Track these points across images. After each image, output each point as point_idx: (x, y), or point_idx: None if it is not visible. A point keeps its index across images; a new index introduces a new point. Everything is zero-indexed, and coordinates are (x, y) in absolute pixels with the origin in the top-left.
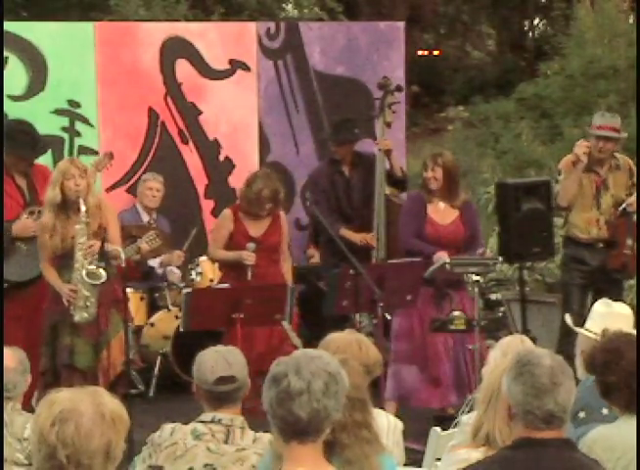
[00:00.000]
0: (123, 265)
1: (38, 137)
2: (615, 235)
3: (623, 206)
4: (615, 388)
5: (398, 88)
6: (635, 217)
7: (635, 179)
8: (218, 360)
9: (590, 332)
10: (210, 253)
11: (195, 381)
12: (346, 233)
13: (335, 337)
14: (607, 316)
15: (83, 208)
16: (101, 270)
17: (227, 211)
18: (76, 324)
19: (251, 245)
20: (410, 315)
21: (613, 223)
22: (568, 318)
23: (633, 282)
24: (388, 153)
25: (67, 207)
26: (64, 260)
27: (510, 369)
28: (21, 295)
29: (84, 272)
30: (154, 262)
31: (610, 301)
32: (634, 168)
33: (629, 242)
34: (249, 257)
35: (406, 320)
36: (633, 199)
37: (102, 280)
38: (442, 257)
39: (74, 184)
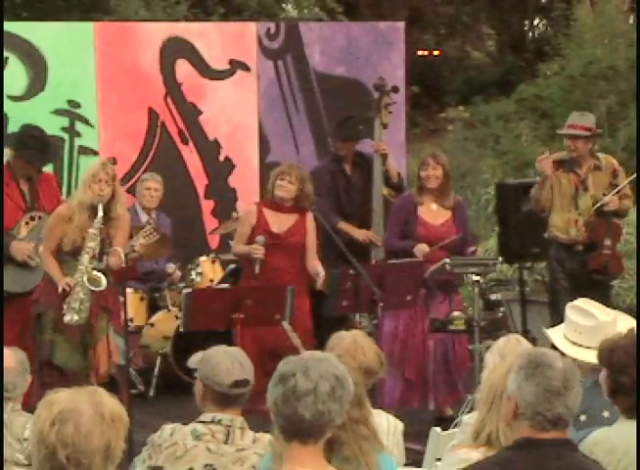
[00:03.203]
0: (124, 265)
1: (49, 143)
2: (593, 236)
3: (599, 204)
4: (623, 390)
5: (394, 89)
6: (613, 217)
7: (619, 180)
8: (234, 363)
9: (581, 346)
10: (232, 248)
11: (205, 381)
12: (345, 227)
13: (335, 336)
14: (598, 330)
15: (100, 213)
16: (102, 278)
17: (252, 206)
18: (60, 320)
19: (261, 238)
20: (397, 318)
21: (591, 224)
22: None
23: (633, 283)
24: (383, 157)
25: (89, 208)
26: (67, 256)
27: (520, 369)
28: (14, 304)
29: (86, 277)
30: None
31: (586, 307)
32: (619, 169)
33: (608, 242)
34: (256, 250)
35: (393, 324)
36: (610, 198)
37: (101, 287)
38: (422, 248)
39: (99, 189)
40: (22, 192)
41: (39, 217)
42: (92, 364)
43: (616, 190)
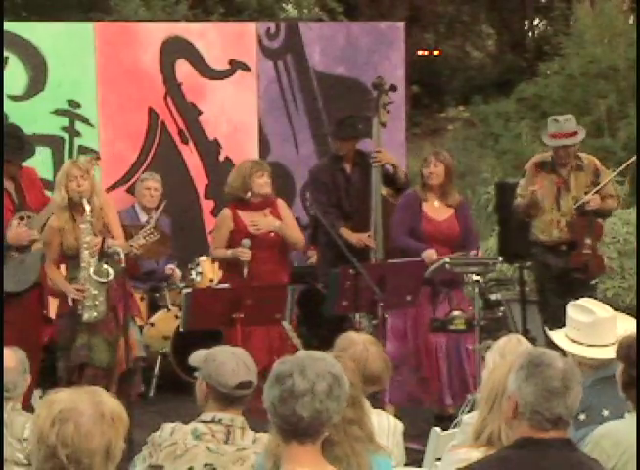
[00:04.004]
0: (123, 265)
1: (25, 139)
2: (574, 235)
3: (579, 203)
4: (636, 384)
5: (392, 88)
6: (595, 216)
7: (602, 179)
8: (239, 364)
9: (580, 343)
10: (211, 253)
11: (209, 381)
12: (345, 232)
13: (344, 337)
14: (596, 326)
15: (88, 207)
16: (107, 268)
17: (226, 210)
18: (92, 322)
19: (246, 241)
20: (403, 315)
21: (572, 223)
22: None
23: (633, 283)
24: (389, 164)
25: (72, 208)
26: (74, 261)
27: (520, 368)
28: (13, 303)
29: (91, 271)
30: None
31: (586, 304)
32: (601, 168)
33: (588, 241)
34: (243, 253)
35: (399, 321)
36: (591, 197)
37: (109, 278)
38: (431, 254)
39: (77, 185)
40: (7, 192)
41: (28, 217)
42: (117, 361)
43: (596, 189)
